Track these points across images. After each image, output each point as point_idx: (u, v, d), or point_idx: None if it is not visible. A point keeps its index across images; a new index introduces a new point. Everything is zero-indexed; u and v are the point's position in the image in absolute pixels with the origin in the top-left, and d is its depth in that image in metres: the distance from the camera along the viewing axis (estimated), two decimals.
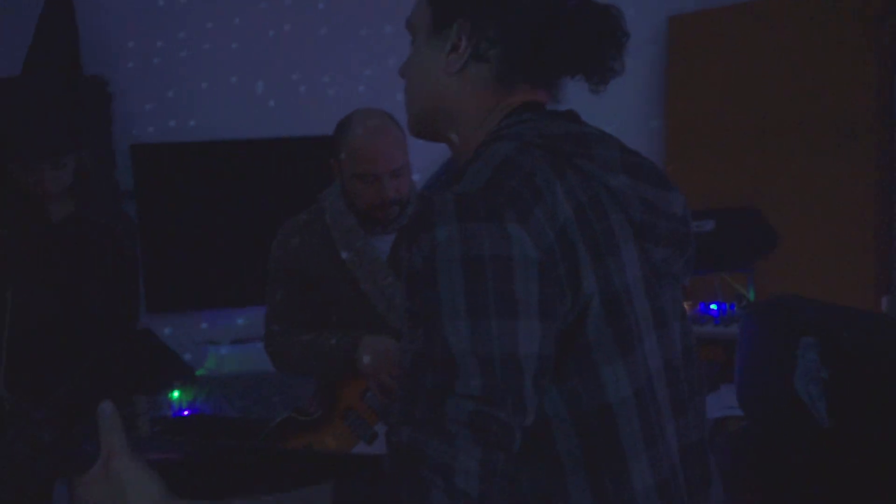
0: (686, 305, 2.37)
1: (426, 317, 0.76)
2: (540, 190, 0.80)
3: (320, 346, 1.82)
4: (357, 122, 1.79)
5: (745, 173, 3.25)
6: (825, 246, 3.00)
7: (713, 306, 2.71)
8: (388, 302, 1.84)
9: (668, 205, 0.93)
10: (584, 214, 0.81)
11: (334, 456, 1.45)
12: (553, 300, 0.78)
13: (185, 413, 3.26)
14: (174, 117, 3.45)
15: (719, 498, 0.95)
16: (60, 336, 1.93)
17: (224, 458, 0.95)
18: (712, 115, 3.35)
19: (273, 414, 3.38)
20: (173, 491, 0.80)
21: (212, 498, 0.81)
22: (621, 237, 0.84)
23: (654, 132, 3.53)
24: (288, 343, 1.90)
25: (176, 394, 3.27)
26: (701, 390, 0.96)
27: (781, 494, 1.49)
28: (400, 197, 1.80)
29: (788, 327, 1.44)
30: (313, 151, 3.34)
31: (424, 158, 3.03)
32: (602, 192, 0.85)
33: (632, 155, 0.93)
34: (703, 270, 2.68)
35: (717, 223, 2.77)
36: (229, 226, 3.44)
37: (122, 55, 3.40)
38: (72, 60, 3.11)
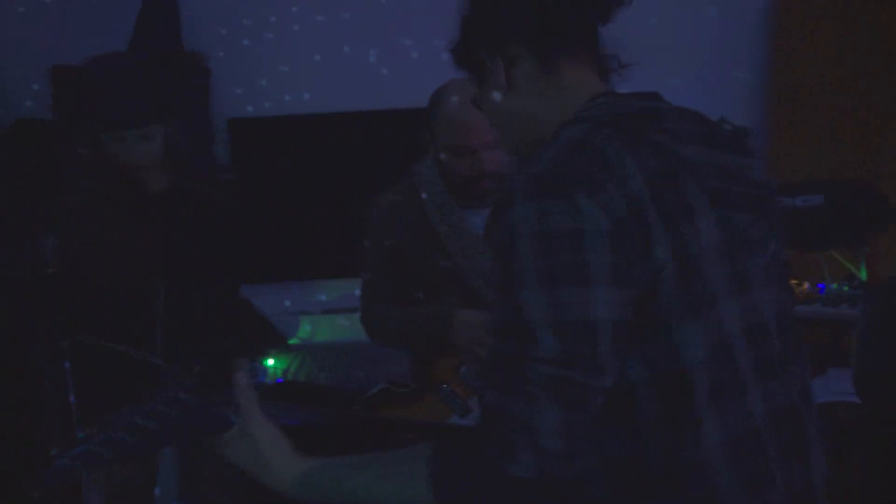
0: (793, 283, 2.26)
1: (505, 287, 0.83)
2: (610, 164, 0.85)
3: (414, 319, 1.83)
4: (452, 92, 1.76)
5: (856, 145, 3.05)
6: None
7: (820, 285, 2.57)
8: (483, 277, 1.82)
9: (747, 171, 0.97)
10: (657, 185, 0.85)
11: (432, 427, 1.47)
12: (626, 268, 0.82)
13: (280, 381, 3.36)
14: (270, 92, 3.52)
15: (821, 469, 0.96)
16: (173, 306, 1.99)
17: (332, 423, 1.06)
18: (821, 82, 3.15)
19: (363, 383, 3.47)
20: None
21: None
22: (696, 205, 0.88)
23: (755, 101, 3.36)
24: (382, 315, 1.92)
25: (271, 361, 3.37)
26: (798, 360, 0.97)
27: None
28: (496, 170, 1.77)
29: None
30: (405, 124, 3.37)
31: None
32: (675, 162, 0.89)
33: (708, 125, 0.98)
34: (811, 247, 2.54)
35: (827, 197, 2.61)
36: (322, 198, 3.50)
37: (225, 31, 3.48)
38: (173, 37, 3.21)
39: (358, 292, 3.46)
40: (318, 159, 3.48)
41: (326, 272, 3.55)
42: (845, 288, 2.32)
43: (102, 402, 1.81)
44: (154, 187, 2.01)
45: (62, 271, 1.97)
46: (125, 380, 1.90)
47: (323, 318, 3.57)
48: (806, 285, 2.35)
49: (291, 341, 3.50)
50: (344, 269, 3.50)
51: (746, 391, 0.88)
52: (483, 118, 1.72)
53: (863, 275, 2.62)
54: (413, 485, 0.83)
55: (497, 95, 1.00)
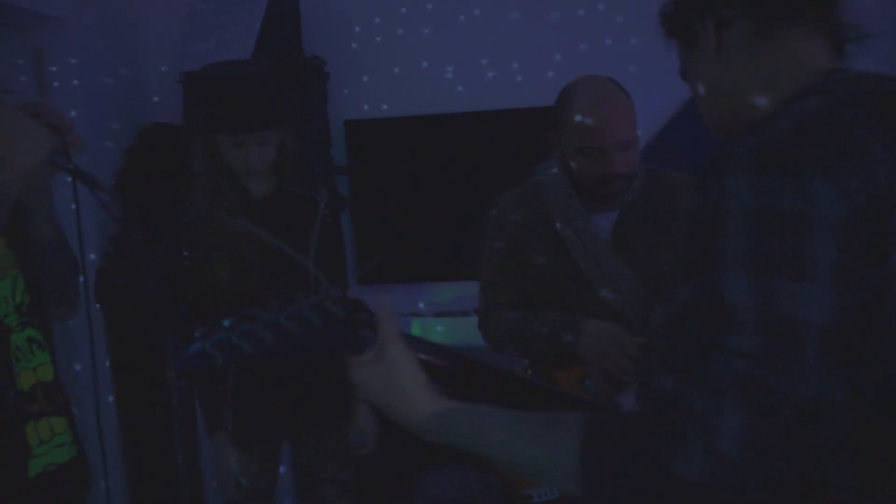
0: None
1: (703, 266, 0.72)
2: (854, 148, 0.73)
3: (537, 327, 1.74)
4: (582, 91, 1.67)
5: None
6: None
7: None
8: (611, 284, 1.72)
9: None
10: None
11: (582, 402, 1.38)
12: (852, 270, 0.71)
13: None
14: (387, 94, 3.53)
15: None
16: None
17: (477, 374, 0.97)
18: None
19: None
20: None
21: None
22: None
23: None
24: (502, 321, 1.85)
25: None
26: None
27: None
28: (627, 171, 1.67)
29: None
30: (526, 124, 3.30)
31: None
32: None
33: None
34: None
35: None
36: (437, 200, 3.47)
37: (342, 36, 3.52)
38: (295, 42, 3.27)
39: (470, 296, 3.46)
40: (436, 161, 3.46)
41: (439, 275, 3.52)
42: None
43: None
44: (258, 193, 2.03)
45: (182, 267, 2.02)
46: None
47: (434, 321, 3.54)
48: None
49: None
50: (457, 273, 3.49)
51: None
52: (617, 117, 1.66)
53: None
54: (559, 455, 0.76)
55: (704, 63, 0.90)
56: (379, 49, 3.50)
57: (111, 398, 3.08)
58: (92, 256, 2.87)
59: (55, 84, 2.98)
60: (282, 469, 2.21)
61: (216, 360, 0.82)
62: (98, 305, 2.89)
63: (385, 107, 3.52)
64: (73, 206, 1.20)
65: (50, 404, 1.29)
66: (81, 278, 1.35)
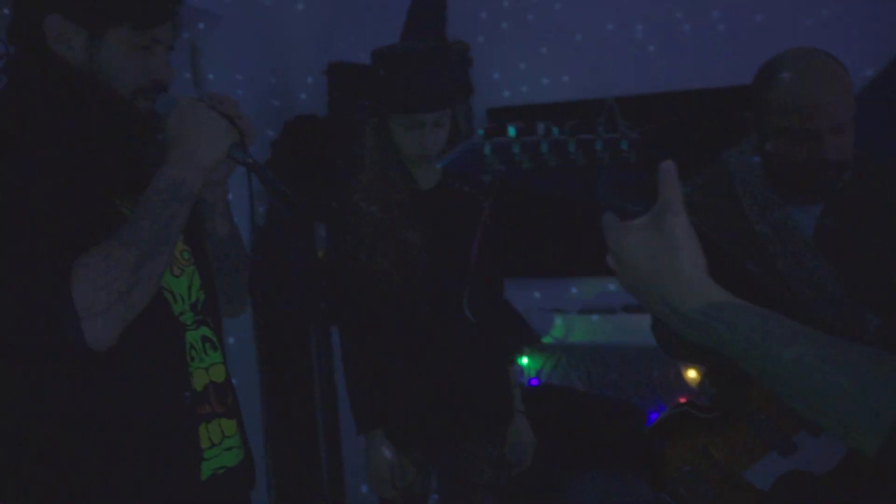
0: None
1: None
2: None
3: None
4: (790, 64, 1.45)
5: None
6: None
7: None
8: (815, 287, 1.50)
9: None
10: None
11: None
12: None
13: (534, 382, 3.23)
14: (534, 80, 3.38)
15: None
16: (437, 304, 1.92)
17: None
18: None
19: (620, 388, 3.25)
20: None
21: None
22: None
23: None
24: None
25: (525, 360, 3.25)
26: None
27: None
28: (841, 159, 1.45)
29: None
30: (678, 107, 3.08)
31: None
32: None
33: None
34: None
35: None
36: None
37: (482, 21, 3.41)
38: (440, 29, 3.19)
39: (617, 292, 3.27)
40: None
41: (585, 270, 3.34)
42: None
43: None
44: (426, 183, 1.95)
45: (334, 260, 1.98)
46: None
47: (579, 318, 3.38)
48: None
49: (545, 339, 3.36)
50: (605, 268, 3.29)
51: None
52: (832, 95, 1.44)
53: None
54: (878, 395, 0.62)
55: None
56: (529, 31, 3.36)
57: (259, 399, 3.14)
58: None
59: (210, 76, 3.04)
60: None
61: (490, 163, 0.71)
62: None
63: (530, 91, 3.38)
64: (248, 202, 1.15)
65: (221, 405, 1.25)
66: None
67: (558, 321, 3.40)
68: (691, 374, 2.98)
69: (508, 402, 1.99)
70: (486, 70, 3.39)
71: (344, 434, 3.14)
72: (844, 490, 1.45)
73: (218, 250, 1.30)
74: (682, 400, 2.92)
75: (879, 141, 2.49)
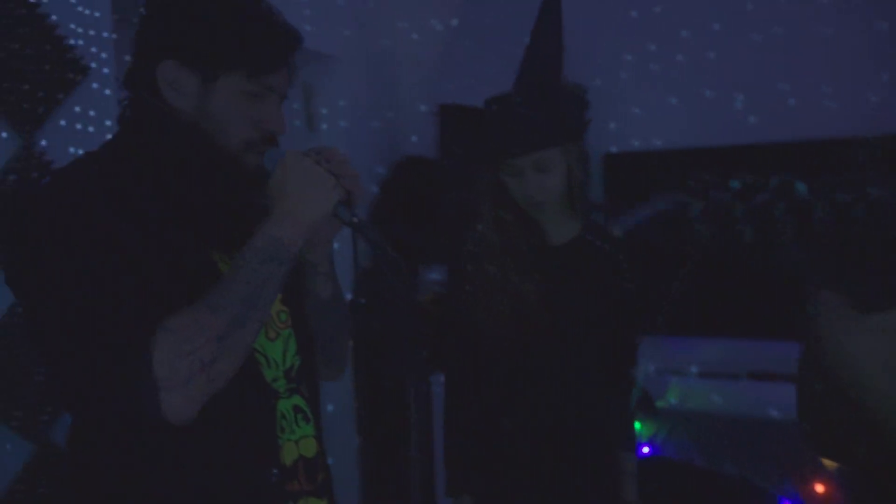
0: None
1: None
2: None
3: None
4: None
5: None
6: None
7: None
8: None
9: None
10: None
11: None
12: None
13: (646, 450, 2.98)
14: (655, 126, 3.19)
15: None
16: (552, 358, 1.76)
17: None
18: None
19: (745, 466, 2.94)
20: None
21: None
22: None
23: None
24: None
25: (636, 425, 3.01)
26: None
27: None
28: None
29: None
30: (802, 158, 2.81)
31: None
32: None
33: None
34: None
35: None
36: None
37: (600, 65, 3.26)
38: (556, 70, 3.06)
39: (745, 357, 2.99)
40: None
41: (709, 329, 3.08)
42: None
43: None
44: (556, 238, 1.79)
45: (442, 306, 1.85)
46: None
47: (700, 381, 3.10)
48: None
49: (658, 403, 3.10)
50: (730, 328, 3.05)
51: None
52: None
53: None
54: None
55: None
56: (651, 77, 3.19)
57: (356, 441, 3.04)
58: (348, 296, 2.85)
59: (323, 126, 3.03)
60: None
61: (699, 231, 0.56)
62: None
63: (655, 139, 3.19)
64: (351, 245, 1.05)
65: (310, 483, 1.14)
66: None
67: (674, 384, 3.14)
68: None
69: (619, 492, 1.78)
70: (606, 115, 3.23)
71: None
72: None
73: (319, 313, 1.20)
74: (820, 488, 2.60)
75: None
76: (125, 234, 0.97)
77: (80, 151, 2.05)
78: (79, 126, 2.02)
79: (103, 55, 2.09)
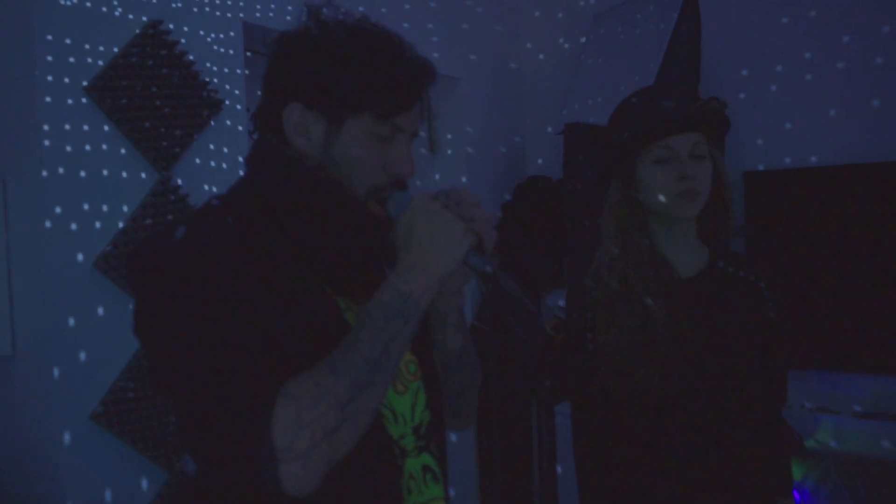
0: None
1: None
2: None
3: None
4: None
5: None
6: None
7: None
8: None
9: None
10: None
11: None
12: None
13: (797, 496, 2.72)
14: (799, 142, 2.94)
15: None
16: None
17: None
18: None
19: None
20: None
21: None
22: None
23: None
24: None
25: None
26: None
27: None
28: None
29: None
30: None
31: None
32: None
33: None
34: None
35: None
36: (863, 269, 2.75)
37: (745, 77, 3.04)
38: (693, 85, 2.89)
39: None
40: (865, 221, 2.75)
41: (865, 364, 2.78)
42: None
43: None
44: (683, 270, 1.60)
45: (565, 331, 1.71)
46: None
47: (855, 422, 2.80)
48: None
49: (808, 443, 2.82)
50: (888, 364, 2.74)
51: None
52: None
53: None
54: None
55: None
56: (795, 91, 2.94)
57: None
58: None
59: (448, 151, 3.00)
60: None
61: None
62: None
63: (797, 157, 2.93)
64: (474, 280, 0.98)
65: None
66: None
67: (827, 423, 2.85)
68: None
69: None
70: (746, 132, 3.01)
71: None
72: None
73: (447, 364, 1.13)
74: None
75: None
76: (253, 288, 0.94)
77: (214, 188, 2.12)
78: (213, 163, 2.07)
79: (236, 91, 2.14)
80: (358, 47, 1.01)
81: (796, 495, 2.72)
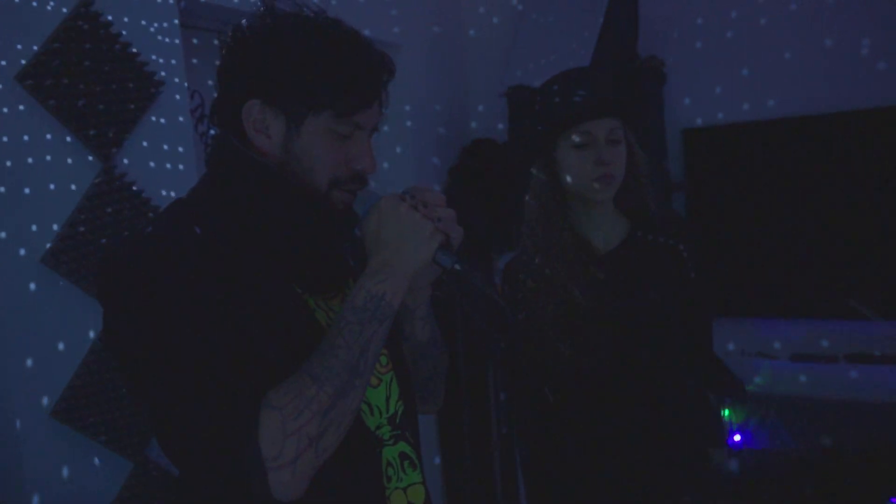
0: None
1: None
2: None
3: None
4: None
5: None
6: None
7: None
8: None
9: None
10: None
11: None
12: None
13: (737, 438, 2.88)
14: (733, 98, 3.02)
15: None
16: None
17: None
18: None
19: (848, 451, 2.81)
20: None
21: None
22: None
23: None
24: None
25: (726, 412, 2.90)
26: None
27: None
28: None
29: None
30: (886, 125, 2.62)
31: None
32: None
33: None
34: None
35: None
36: (795, 220, 2.88)
37: (680, 34, 3.09)
38: (631, 45, 2.92)
39: (835, 338, 2.84)
40: (797, 173, 2.87)
41: (796, 310, 2.94)
42: None
43: None
44: (602, 245, 1.66)
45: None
46: None
47: (790, 365, 2.97)
48: None
49: (748, 388, 2.98)
50: (818, 308, 2.88)
51: None
52: None
53: None
54: None
55: None
56: (728, 47, 3.00)
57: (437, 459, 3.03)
58: None
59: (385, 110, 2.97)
60: None
61: None
62: None
63: (733, 113, 3.01)
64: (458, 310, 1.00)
65: None
66: None
67: (765, 368, 3.01)
68: None
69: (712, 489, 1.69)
70: (684, 89, 3.07)
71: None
72: None
73: (417, 354, 1.15)
74: None
75: None
76: (225, 295, 0.94)
77: (157, 164, 2.06)
78: (158, 145, 2.01)
79: (173, 62, 2.06)
80: (318, 44, 1.00)
81: (739, 437, 2.89)
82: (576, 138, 1.60)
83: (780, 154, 2.90)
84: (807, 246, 2.87)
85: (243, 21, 1.04)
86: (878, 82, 2.75)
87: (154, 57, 2.01)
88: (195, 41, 2.40)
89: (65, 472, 1.71)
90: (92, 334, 1.79)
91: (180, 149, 2.07)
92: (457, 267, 0.99)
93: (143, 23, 2.01)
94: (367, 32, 1.05)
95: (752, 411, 2.92)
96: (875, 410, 2.75)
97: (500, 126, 3.23)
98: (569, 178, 1.63)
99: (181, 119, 2.08)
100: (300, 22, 1.02)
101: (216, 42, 2.41)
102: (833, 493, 2.63)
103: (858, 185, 2.77)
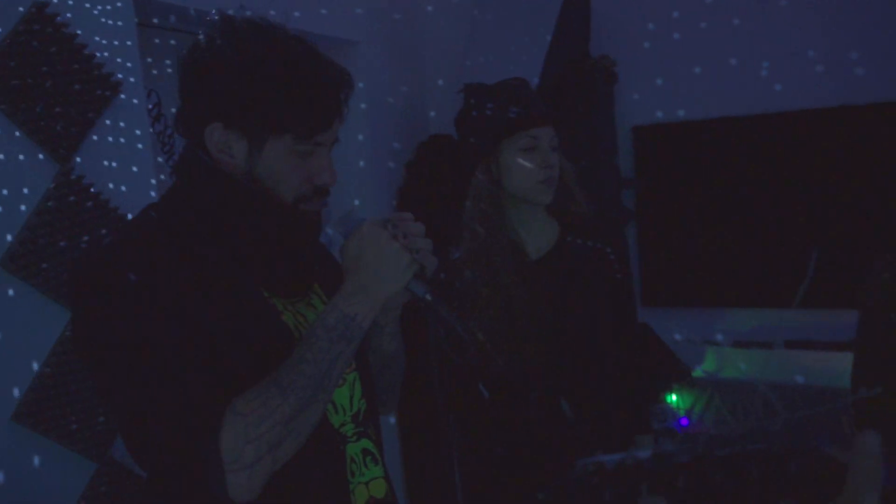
0: None
1: None
2: None
3: None
4: None
5: None
6: None
7: None
8: None
9: None
10: None
11: None
12: None
13: (683, 422, 3.01)
14: (683, 97, 3.12)
15: None
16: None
17: None
18: None
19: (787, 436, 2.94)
20: None
21: None
22: None
23: None
24: None
25: (673, 397, 3.03)
26: None
27: None
28: None
29: None
30: (861, 124, 2.75)
31: None
32: None
33: None
34: None
35: None
36: (739, 215, 3.01)
37: (631, 34, 3.18)
38: (583, 45, 3.00)
39: (774, 325, 2.98)
40: (741, 170, 3.00)
41: (739, 300, 3.07)
42: None
43: None
44: (534, 251, 1.71)
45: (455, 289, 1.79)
46: None
47: (732, 352, 3.10)
48: None
49: (695, 373, 3.11)
50: (758, 298, 3.02)
51: None
52: None
53: None
54: None
55: None
56: (677, 47, 3.10)
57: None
58: None
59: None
60: None
61: None
62: None
63: (681, 111, 3.12)
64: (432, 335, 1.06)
65: None
66: None
67: (710, 354, 3.15)
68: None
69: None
70: (633, 87, 3.17)
71: None
72: None
73: (382, 364, 1.22)
74: None
75: None
76: (193, 299, 0.98)
77: (115, 165, 2.06)
78: (110, 139, 2.01)
79: (129, 64, 2.06)
80: (276, 66, 1.02)
81: (684, 421, 3.02)
82: (524, 142, 1.66)
83: (726, 150, 3.02)
84: (750, 239, 3.00)
85: (200, 37, 1.05)
86: (819, 83, 2.88)
87: (109, 55, 2.01)
88: (157, 41, 2.39)
89: (27, 473, 1.72)
90: (54, 338, 1.80)
91: (139, 145, 2.08)
92: (428, 297, 1.05)
93: (101, 20, 2.00)
94: (325, 28, 1.07)
95: (698, 396, 3.05)
96: (811, 393, 2.90)
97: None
98: (516, 181, 1.68)
99: (138, 119, 2.09)
100: (259, 42, 1.03)
101: (173, 42, 2.42)
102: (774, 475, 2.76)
103: (798, 180, 2.90)
